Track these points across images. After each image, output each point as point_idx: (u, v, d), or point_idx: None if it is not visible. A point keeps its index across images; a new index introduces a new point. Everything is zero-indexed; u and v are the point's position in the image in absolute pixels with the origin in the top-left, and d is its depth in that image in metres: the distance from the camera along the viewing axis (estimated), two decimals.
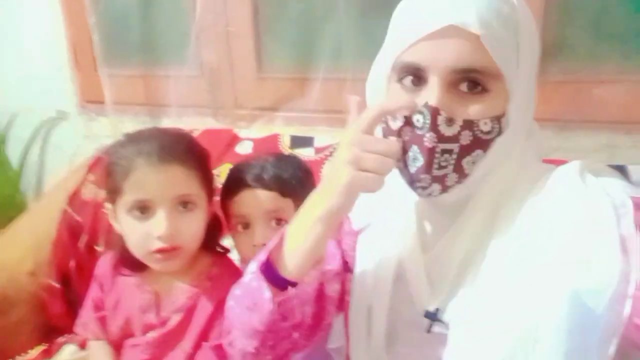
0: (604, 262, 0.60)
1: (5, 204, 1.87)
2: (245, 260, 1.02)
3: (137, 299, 0.95)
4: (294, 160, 1.06)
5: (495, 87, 0.66)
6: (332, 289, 0.74)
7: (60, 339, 1.20)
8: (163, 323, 0.93)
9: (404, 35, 0.68)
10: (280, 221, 0.97)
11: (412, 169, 0.67)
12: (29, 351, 1.19)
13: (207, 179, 0.94)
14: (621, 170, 1.04)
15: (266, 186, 0.96)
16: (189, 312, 0.93)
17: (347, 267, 0.84)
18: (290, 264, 0.72)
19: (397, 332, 0.79)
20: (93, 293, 1.02)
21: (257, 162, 1.01)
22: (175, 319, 0.93)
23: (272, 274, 0.72)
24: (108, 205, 0.92)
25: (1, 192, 1.89)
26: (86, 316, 1.01)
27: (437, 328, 0.74)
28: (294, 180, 1.00)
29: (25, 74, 1.84)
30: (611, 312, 0.59)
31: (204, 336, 0.92)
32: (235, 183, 0.99)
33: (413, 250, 0.76)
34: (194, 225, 0.90)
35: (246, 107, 1.57)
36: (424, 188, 0.68)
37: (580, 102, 1.19)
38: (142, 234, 0.87)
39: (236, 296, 0.77)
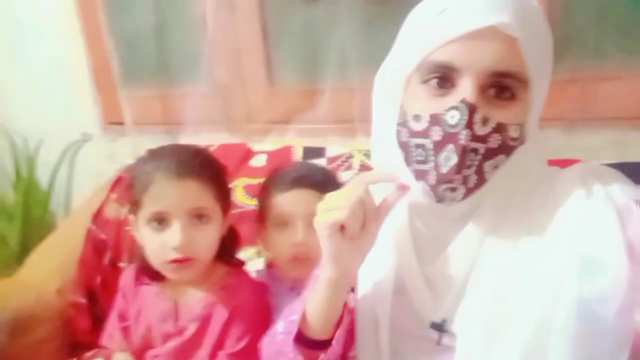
0: (611, 269, 0.60)
1: (36, 224, 1.94)
2: (279, 261, 1.03)
3: (156, 307, 0.98)
4: (331, 170, 1.07)
5: (522, 95, 0.66)
6: (344, 323, 0.76)
7: (87, 354, 1.23)
8: (180, 332, 0.96)
9: (436, 34, 0.65)
10: None
11: (444, 169, 0.65)
12: None
13: (222, 193, 0.97)
14: (637, 167, 1.01)
15: (312, 186, 0.97)
16: (205, 321, 0.95)
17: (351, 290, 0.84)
18: (315, 326, 0.73)
19: (404, 345, 0.78)
20: (118, 304, 1.05)
21: (301, 165, 1.04)
22: (191, 328, 0.95)
23: (304, 338, 0.74)
24: (131, 217, 0.96)
25: (32, 214, 1.96)
26: (111, 327, 1.05)
27: (446, 339, 0.73)
28: (335, 186, 1.00)
29: (50, 99, 1.91)
30: (621, 320, 0.58)
31: (219, 345, 0.94)
32: (280, 183, 1.00)
33: (409, 262, 0.76)
34: (207, 238, 0.93)
35: (258, 121, 1.60)
36: (452, 190, 0.66)
37: (587, 99, 1.18)
38: (158, 245, 0.90)
39: (271, 355, 0.80)
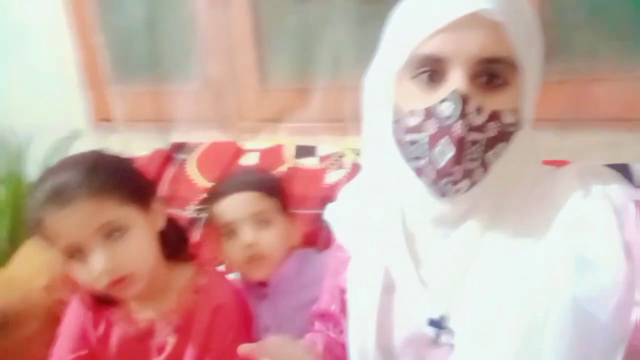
0: (607, 269, 0.60)
1: (25, 221, 1.92)
2: (237, 267, 1.03)
3: (129, 332, 0.92)
4: (271, 172, 1.07)
5: (513, 80, 0.65)
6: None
7: None
8: (160, 350, 0.91)
9: (420, 27, 0.65)
10: (267, 222, 0.98)
11: (441, 163, 0.64)
12: None
13: (130, 192, 0.85)
14: (625, 169, 1.02)
15: (250, 188, 0.98)
16: (184, 331, 0.91)
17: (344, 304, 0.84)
18: None
19: (398, 345, 0.77)
20: (69, 333, 0.95)
21: (238, 172, 1.04)
22: (171, 343, 0.91)
23: None
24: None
25: (22, 211, 1.93)
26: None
27: (444, 337, 0.72)
28: (276, 183, 1.02)
29: (39, 95, 1.89)
30: (617, 320, 0.58)
31: (205, 348, 0.90)
32: (219, 192, 1.00)
33: (403, 263, 0.75)
34: (133, 248, 0.84)
35: (250, 119, 1.59)
36: (454, 183, 0.65)
37: (579, 101, 1.17)
38: (87, 275, 0.83)
39: None
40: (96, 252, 0.80)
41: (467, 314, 0.68)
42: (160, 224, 0.91)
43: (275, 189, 1.00)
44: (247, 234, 0.97)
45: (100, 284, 0.83)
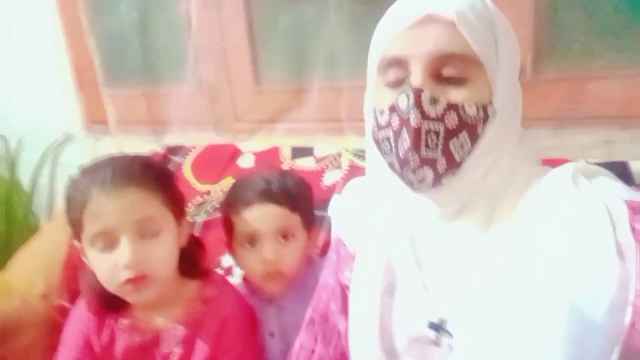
0: (600, 270, 0.60)
1: (19, 226, 1.90)
2: (251, 277, 1.02)
3: (134, 341, 0.92)
4: (295, 176, 1.05)
5: (475, 75, 0.67)
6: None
7: None
8: (165, 359, 0.91)
9: (384, 35, 0.70)
10: (287, 237, 0.97)
11: (401, 153, 0.67)
12: None
13: (172, 199, 0.89)
14: (623, 166, 1.03)
15: (276, 201, 0.96)
16: (190, 342, 0.90)
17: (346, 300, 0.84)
18: None
19: (400, 345, 0.77)
20: (73, 340, 0.95)
21: (261, 176, 1.00)
22: (177, 353, 0.90)
23: None
24: (76, 243, 0.89)
25: (15, 215, 1.92)
26: None
27: (445, 339, 0.72)
28: (301, 195, 1.00)
29: (31, 99, 1.87)
30: (611, 321, 0.58)
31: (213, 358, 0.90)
32: (242, 199, 0.98)
33: (405, 265, 0.75)
34: (161, 250, 0.85)
35: (245, 120, 1.58)
36: (414, 171, 0.67)
37: (575, 99, 1.18)
38: (109, 266, 0.83)
39: None
40: (127, 243, 0.81)
41: (466, 318, 0.68)
42: (184, 241, 0.92)
43: (302, 204, 0.98)
44: (268, 251, 0.95)
45: (118, 279, 0.83)
